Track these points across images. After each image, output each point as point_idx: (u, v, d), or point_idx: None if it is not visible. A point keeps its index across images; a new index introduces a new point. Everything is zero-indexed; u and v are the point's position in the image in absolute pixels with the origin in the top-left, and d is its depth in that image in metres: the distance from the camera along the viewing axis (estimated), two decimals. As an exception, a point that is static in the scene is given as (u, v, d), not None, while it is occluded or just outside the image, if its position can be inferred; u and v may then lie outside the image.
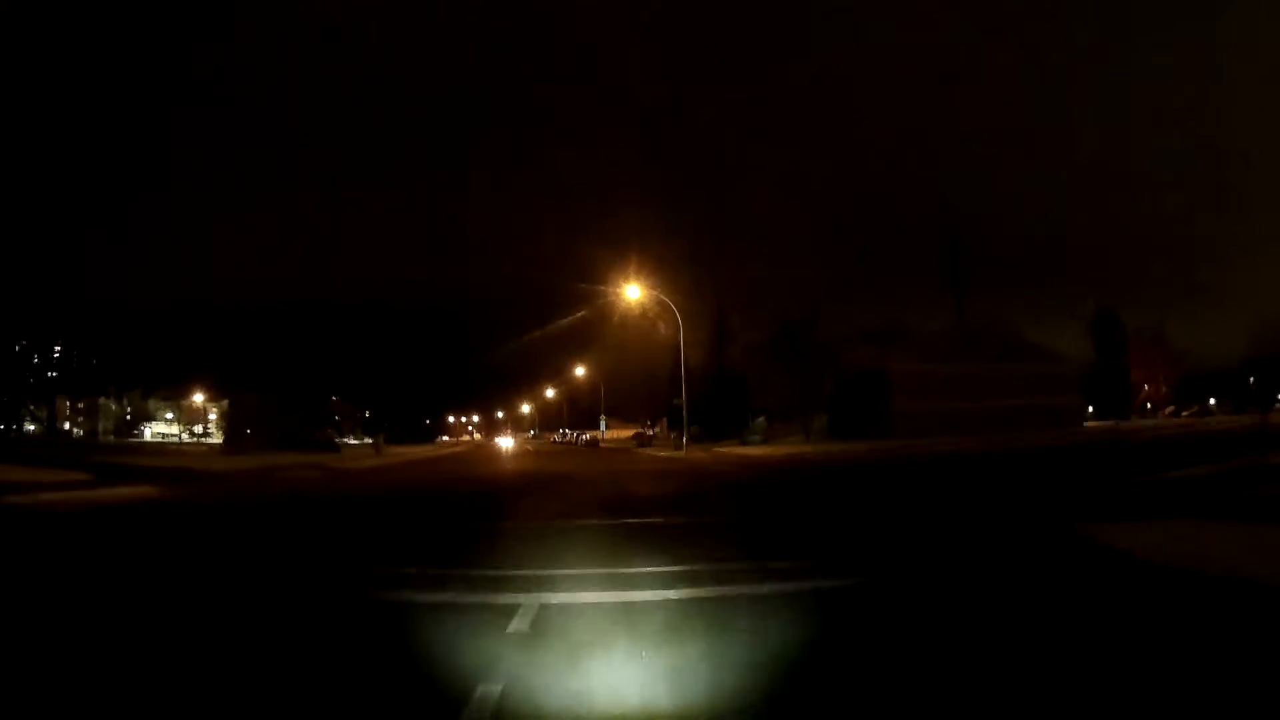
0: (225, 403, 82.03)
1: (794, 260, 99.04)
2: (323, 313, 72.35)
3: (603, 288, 38.07)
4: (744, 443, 48.45)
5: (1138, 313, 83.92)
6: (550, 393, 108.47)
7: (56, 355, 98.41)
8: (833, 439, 47.96)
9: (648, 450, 45.99)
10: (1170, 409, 79.30)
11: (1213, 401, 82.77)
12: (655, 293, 35.95)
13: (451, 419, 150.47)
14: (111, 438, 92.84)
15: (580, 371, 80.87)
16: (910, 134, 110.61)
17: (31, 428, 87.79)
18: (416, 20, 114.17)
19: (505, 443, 64.95)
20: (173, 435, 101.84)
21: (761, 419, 60.49)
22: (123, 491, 18.26)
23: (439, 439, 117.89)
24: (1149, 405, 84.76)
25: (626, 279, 35.68)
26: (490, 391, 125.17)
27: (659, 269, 38.53)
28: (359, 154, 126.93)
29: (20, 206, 71.57)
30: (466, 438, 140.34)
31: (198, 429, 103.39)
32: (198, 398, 77.80)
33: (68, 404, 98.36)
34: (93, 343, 78.95)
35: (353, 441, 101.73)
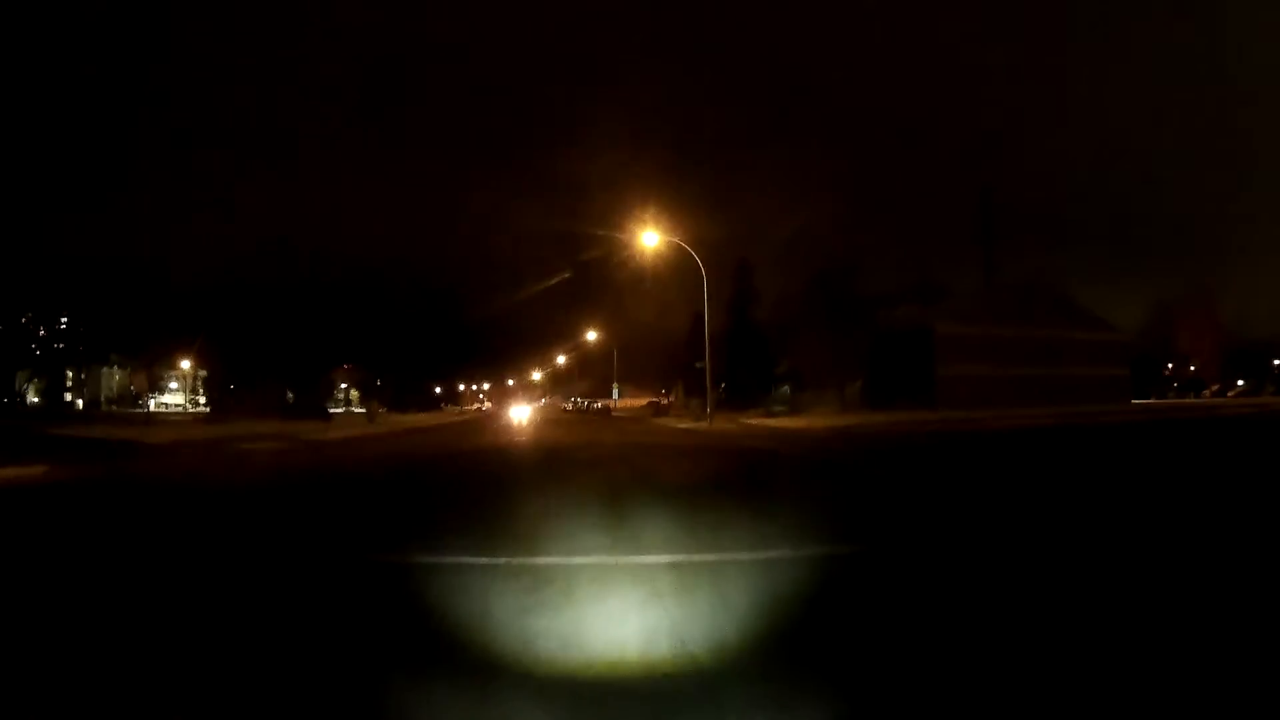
0: (207, 371, 78.17)
1: (819, 215, 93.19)
2: (323, 279, 68.41)
3: (616, 234, 33.28)
4: (770, 413, 43.92)
5: (1175, 279, 78.26)
6: (561, 359, 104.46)
7: (63, 326, 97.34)
8: (869, 408, 43.34)
9: (665, 420, 41.49)
10: (1216, 387, 74.11)
11: (1240, 382, 76.94)
12: (673, 239, 31.09)
13: (462, 387, 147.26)
14: (114, 408, 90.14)
15: (592, 336, 76.39)
16: (945, 89, 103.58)
17: (36, 399, 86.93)
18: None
19: (516, 411, 60.78)
20: (177, 405, 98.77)
21: (786, 387, 55.80)
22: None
23: (448, 407, 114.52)
24: (1176, 384, 79.55)
25: (642, 225, 30.86)
26: (501, 359, 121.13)
27: (677, 218, 33.56)
28: (360, 106, 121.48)
29: (24, 173, 68.43)
30: (477, 406, 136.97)
31: (202, 399, 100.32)
32: (185, 364, 73.56)
33: (69, 375, 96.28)
34: (97, 313, 76.50)
35: (359, 410, 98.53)
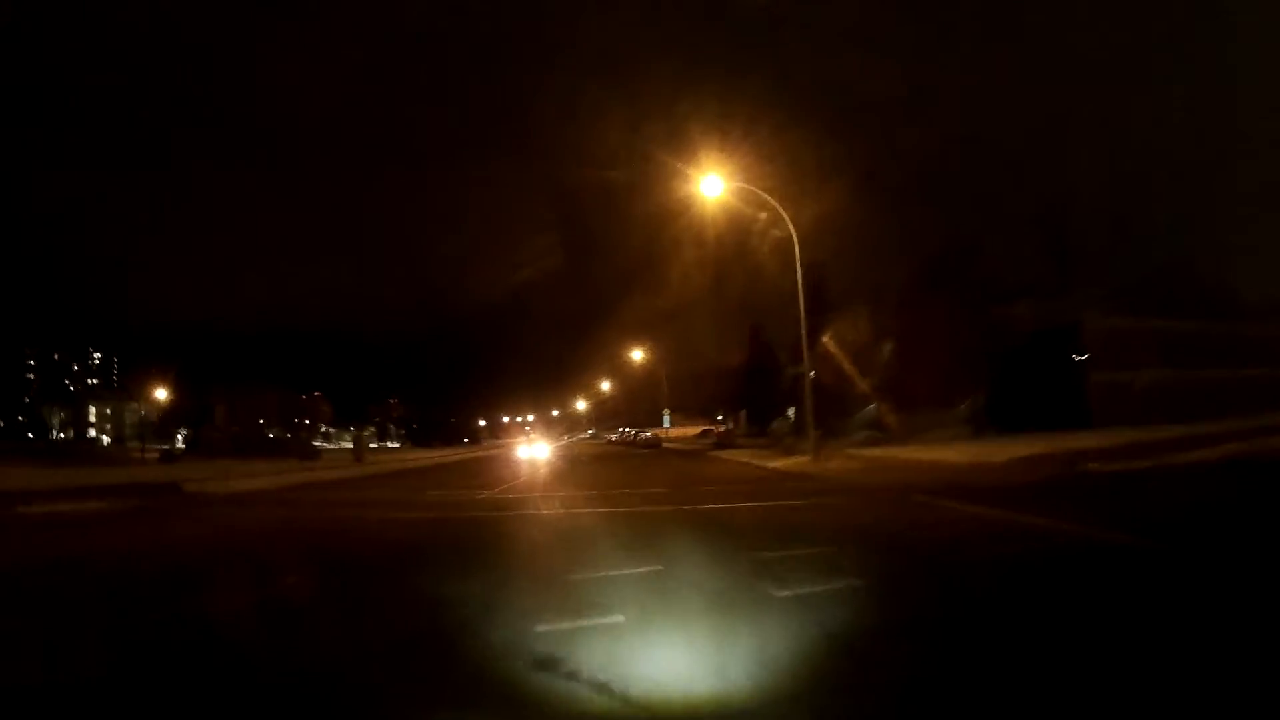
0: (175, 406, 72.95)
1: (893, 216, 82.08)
2: (349, 319, 63.82)
3: (682, 167, 22.77)
4: (869, 441, 33.77)
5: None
6: (606, 385, 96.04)
7: (95, 362, 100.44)
8: (996, 431, 32.91)
9: (734, 455, 31.51)
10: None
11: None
12: (749, 187, 21.21)
13: (506, 419, 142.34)
14: (133, 444, 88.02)
15: (638, 355, 66.98)
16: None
17: (61, 435, 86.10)
18: None
19: (531, 449, 50.65)
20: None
21: (873, 406, 45.30)
22: None
23: (483, 440, 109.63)
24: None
25: (701, 168, 20.93)
26: (545, 389, 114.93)
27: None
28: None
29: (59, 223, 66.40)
30: (523, 439, 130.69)
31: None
32: (160, 394, 66.95)
33: (92, 410, 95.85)
34: (126, 351, 75.55)
35: (393, 445, 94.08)
